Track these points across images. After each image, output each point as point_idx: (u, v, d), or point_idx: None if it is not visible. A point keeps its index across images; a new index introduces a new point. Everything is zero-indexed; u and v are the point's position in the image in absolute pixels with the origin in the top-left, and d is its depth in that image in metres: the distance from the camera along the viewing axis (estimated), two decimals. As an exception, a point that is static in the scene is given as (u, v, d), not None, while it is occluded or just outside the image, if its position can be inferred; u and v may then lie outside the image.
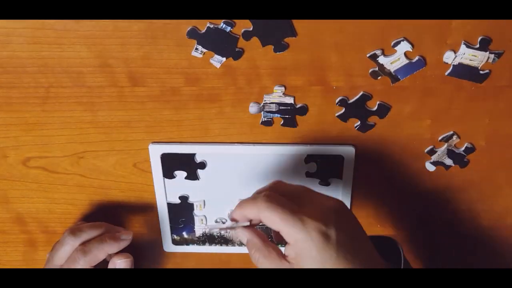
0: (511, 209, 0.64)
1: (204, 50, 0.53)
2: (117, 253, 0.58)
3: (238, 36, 0.52)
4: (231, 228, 0.49)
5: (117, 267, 0.58)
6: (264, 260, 0.48)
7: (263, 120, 0.57)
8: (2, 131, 0.59)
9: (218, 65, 0.54)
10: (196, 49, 0.52)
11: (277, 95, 0.56)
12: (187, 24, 0.52)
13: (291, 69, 0.54)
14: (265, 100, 0.56)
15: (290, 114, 0.57)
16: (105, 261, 0.58)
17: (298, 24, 0.51)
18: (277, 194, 0.48)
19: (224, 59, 0.53)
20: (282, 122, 0.57)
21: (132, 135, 0.59)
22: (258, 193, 0.50)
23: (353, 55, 0.53)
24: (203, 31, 0.51)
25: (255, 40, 0.52)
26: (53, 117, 0.58)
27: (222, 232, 0.65)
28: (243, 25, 0.51)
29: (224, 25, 0.51)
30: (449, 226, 0.65)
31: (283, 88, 0.55)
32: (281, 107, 0.56)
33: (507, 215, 0.64)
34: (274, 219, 0.46)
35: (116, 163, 0.61)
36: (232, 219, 0.50)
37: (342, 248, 0.46)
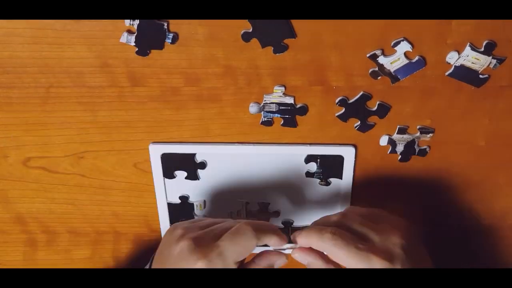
0: (511, 209, 0.64)
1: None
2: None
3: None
4: (291, 248, 0.51)
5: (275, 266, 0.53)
6: None
7: (263, 120, 0.57)
8: (2, 131, 0.59)
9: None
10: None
11: (277, 95, 0.56)
12: (187, 24, 0.52)
13: (291, 69, 0.54)
14: (265, 100, 0.56)
15: (290, 114, 0.57)
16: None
17: (297, 24, 0.51)
18: (343, 231, 0.50)
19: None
20: (282, 122, 0.57)
21: (133, 135, 0.59)
22: (324, 223, 0.52)
23: (353, 55, 0.53)
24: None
25: (254, 41, 0.52)
26: (53, 117, 0.58)
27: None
28: (243, 25, 0.51)
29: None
30: (449, 226, 0.65)
31: (283, 88, 0.55)
32: (281, 107, 0.56)
33: (507, 215, 0.64)
34: (340, 257, 0.49)
35: (116, 163, 0.61)
36: (294, 241, 0.52)
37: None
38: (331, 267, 0.51)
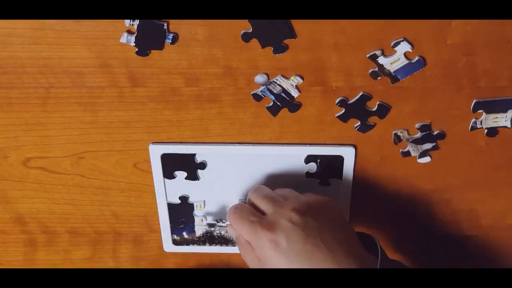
0: (511, 209, 0.64)
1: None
2: None
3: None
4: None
5: None
6: (247, 257, 0.54)
7: (257, 92, 0.56)
8: (2, 131, 0.59)
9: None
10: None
11: (290, 83, 0.55)
12: (187, 24, 0.52)
13: (291, 69, 0.54)
14: (276, 79, 0.55)
15: (283, 105, 0.56)
16: None
17: (297, 24, 0.51)
18: (245, 205, 0.55)
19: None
20: (269, 104, 0.56)
21: (132, 136, 0.59)
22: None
23: (353, 56, 0.53)
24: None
25: (254, 41, 0.52)
26: (53, 117, 0.58)
27: (222, 232, 0.65)
28: (243, 26, 0.51)
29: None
30: (449, 227, 0.65)
31: (300, 81, 0.54)
32: (282, 94, 0.56)
33: (507, 215, 0.64)
34: (238, 229, 0.54)
35: (116, 163, 0.61)
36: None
37: (292, 253, 0.49)
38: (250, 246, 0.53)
